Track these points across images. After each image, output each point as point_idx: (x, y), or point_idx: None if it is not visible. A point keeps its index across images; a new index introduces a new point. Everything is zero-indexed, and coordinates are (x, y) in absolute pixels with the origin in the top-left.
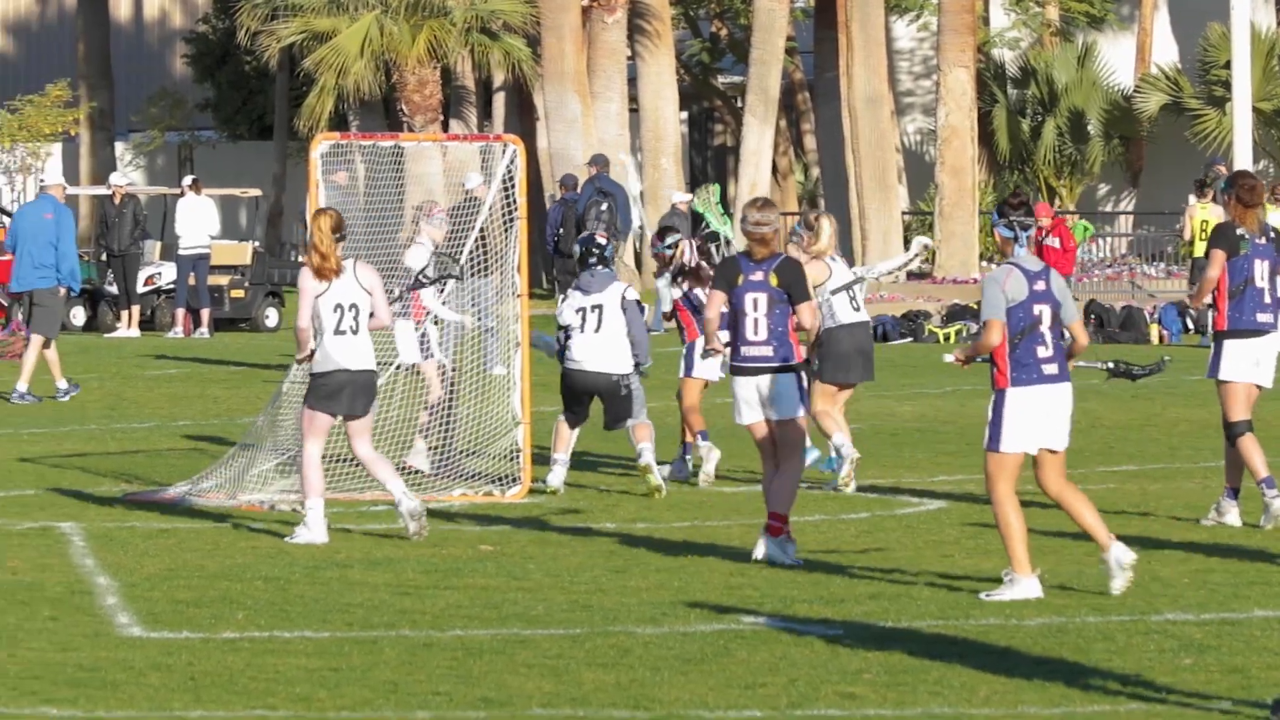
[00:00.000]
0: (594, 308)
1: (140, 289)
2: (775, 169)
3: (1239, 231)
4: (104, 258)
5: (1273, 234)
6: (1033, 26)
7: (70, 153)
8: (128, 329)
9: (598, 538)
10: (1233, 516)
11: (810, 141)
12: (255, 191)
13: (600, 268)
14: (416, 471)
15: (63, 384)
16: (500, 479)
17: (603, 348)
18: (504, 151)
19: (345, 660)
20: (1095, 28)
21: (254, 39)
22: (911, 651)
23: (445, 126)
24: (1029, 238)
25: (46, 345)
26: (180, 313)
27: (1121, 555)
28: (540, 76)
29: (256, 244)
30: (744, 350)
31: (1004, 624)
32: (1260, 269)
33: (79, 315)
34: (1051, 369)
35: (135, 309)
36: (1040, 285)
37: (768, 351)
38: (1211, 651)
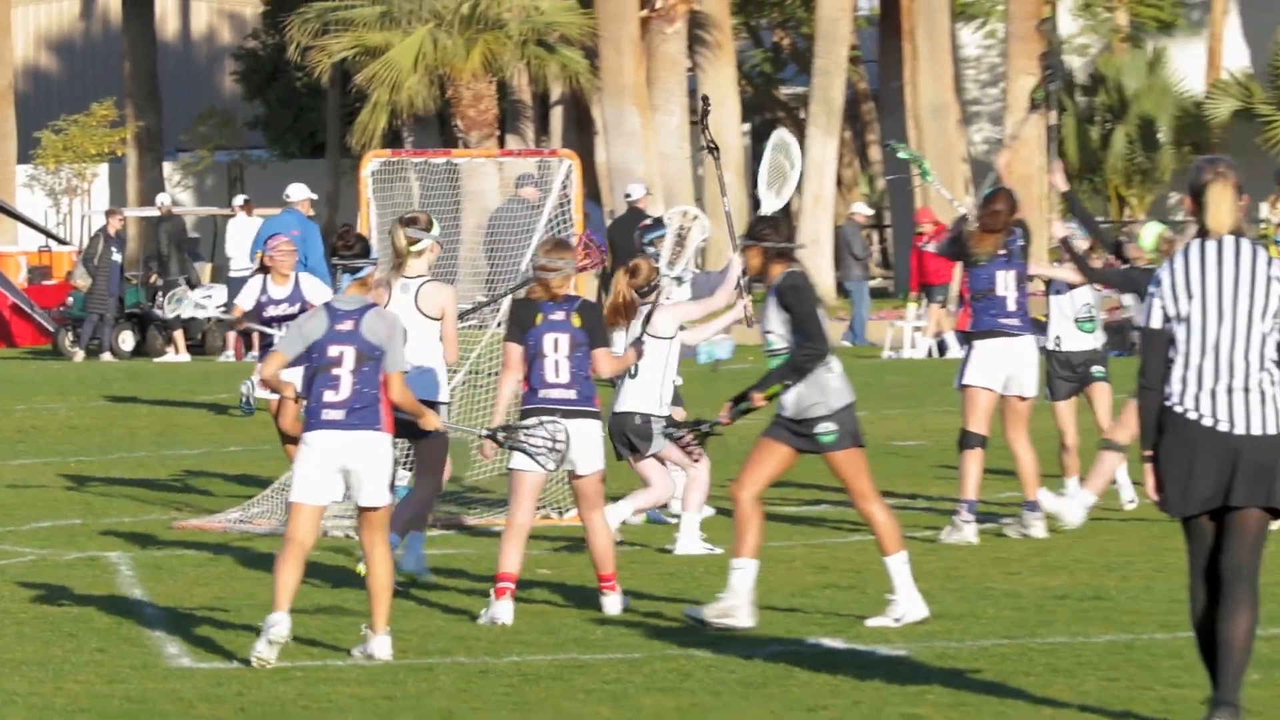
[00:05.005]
0: None
1: (189, 312)
2: (839, 181)
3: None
4: (151, 280)
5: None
6: (1101, 33)
7: (117, 174)
8: (176, 354)
9: (658, 561)
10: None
11: (875, 152)
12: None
13: None
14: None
15: None
16: (558, 502)
17: None
18: (560, 166)
19: (400, 688)
20: (1165, 33)
21: (305, 54)
22: (976, 671)
23: (501, 142)
24: (361, 278)
25: None
26: (231, 336)
27: (381, 647)
28: (598, 89)
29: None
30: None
31: (1070, 642)
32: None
33: (128, 340)
34: (336, 415)
35: (179, 333)
36: (346, 325)
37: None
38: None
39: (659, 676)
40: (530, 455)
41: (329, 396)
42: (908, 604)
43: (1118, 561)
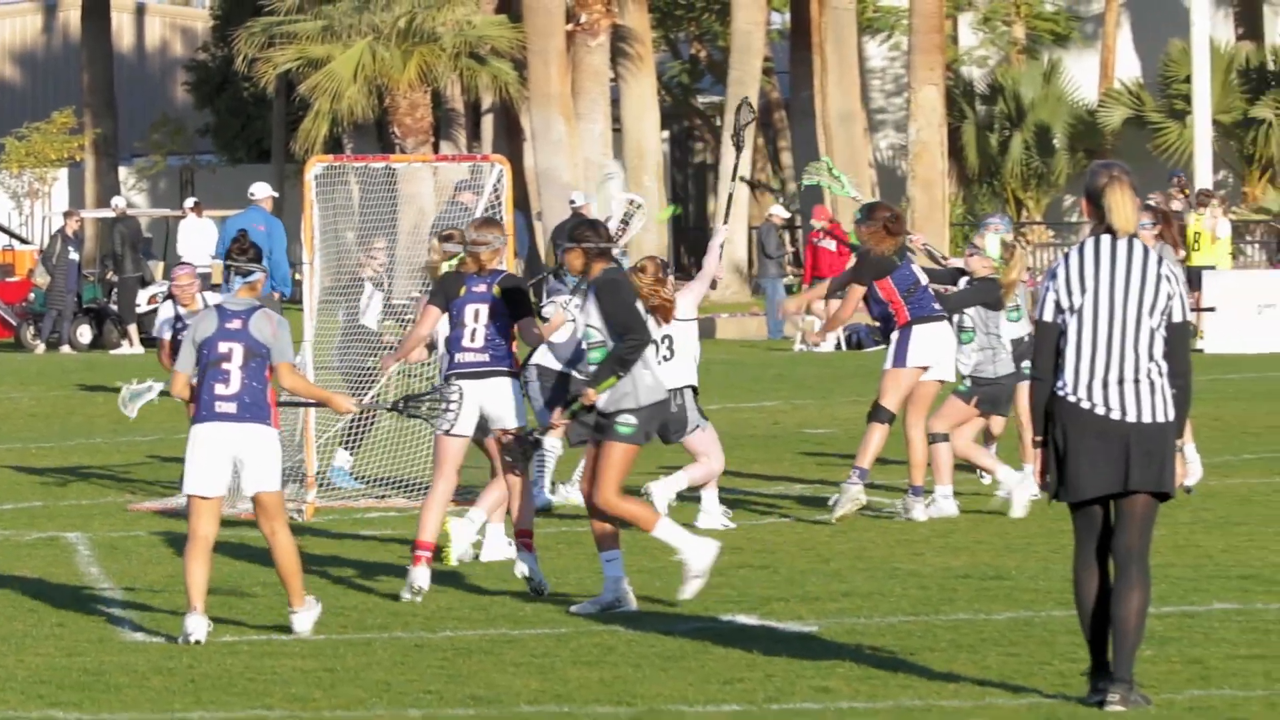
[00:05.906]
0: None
1: (144, 307)
2: (754, 185)
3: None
4: (107, 277)
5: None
6: (1000, 45)
7: (76, 178)
8: (131, 346)
9: (583, 541)
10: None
11: (787, 158)
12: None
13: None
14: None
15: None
16: None
17: None
18: (492, 171)
19: (340, 661)
20: (1060, 45)
21: (251, 66)
22: (884, 646)
23: (436, 148)
24: (251, 282)
25: None
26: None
27: (301, 622)
28: (527, 99)
29: None
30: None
31: (973, 619)
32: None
33: (86, 334)
34: (228, 407)
35: (132, 327)
36: (235, 324)
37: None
38: (1172, 643)
39: (584, 651)
40: (428, 420)
41: (220, 390)
42: (691, 552)
43: (1018, 543)
